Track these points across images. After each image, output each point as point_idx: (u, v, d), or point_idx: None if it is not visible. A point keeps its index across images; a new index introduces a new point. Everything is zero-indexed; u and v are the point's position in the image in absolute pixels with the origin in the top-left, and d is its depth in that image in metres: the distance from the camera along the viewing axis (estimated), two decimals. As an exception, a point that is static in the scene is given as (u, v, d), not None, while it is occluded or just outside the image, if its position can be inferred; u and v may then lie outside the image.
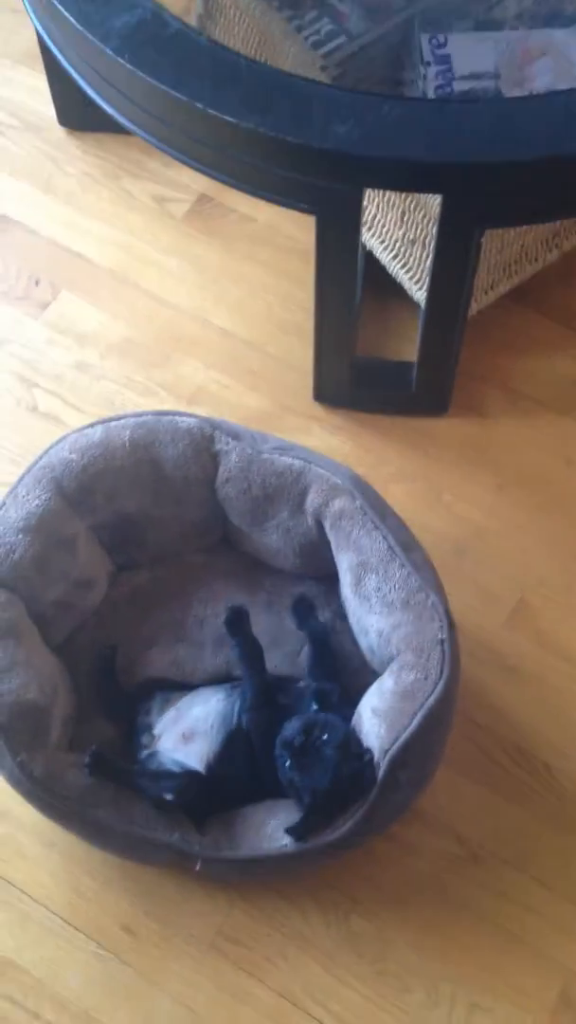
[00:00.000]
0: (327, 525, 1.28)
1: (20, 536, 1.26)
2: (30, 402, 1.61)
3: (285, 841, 1.19)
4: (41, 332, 1.65)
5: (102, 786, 1.21)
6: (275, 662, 1.34)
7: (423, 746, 1.19)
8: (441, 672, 1.18)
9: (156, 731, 1.29)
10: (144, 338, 1.64)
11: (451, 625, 1.22)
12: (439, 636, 1.20)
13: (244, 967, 1.30)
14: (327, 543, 1.30)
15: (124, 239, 1.71)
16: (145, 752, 1.28)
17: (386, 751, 1.17)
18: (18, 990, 1.30)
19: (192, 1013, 1.28)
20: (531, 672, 1.44)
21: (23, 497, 1.28)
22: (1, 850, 1.35)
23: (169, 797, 1.22)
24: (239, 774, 1.25)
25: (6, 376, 1.62)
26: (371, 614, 1.25)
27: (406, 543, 1.27)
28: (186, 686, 1.34)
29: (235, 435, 1.31)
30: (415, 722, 1.17)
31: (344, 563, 1.28)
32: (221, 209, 1.72)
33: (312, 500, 1.28)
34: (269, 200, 1.25)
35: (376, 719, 1.19)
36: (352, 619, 1.31)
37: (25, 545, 1.26)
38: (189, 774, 1.24)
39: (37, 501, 1.28)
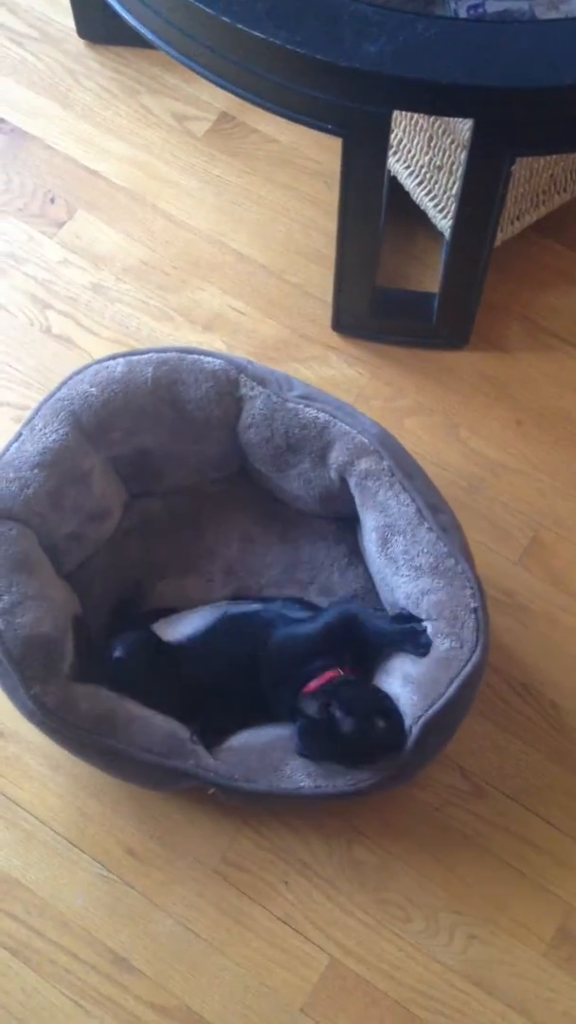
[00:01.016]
0: (352, 483, 1.26)
1: (36, 471, 1.24)
2: (43, 323, 1.58)
3: (303, 783, 1.20)
4: (56, 251, 1.62)
5: (114, 714, 1.21)
6: (288, 592, 1.35)
7: (455, 710, 1.20)
8: (477, 640, 1.18)
9: None
10: (161, 261, 1.61)
11: (482, 593, 1.21)
12: (471, 604, 1.19)
13: (247, 892, 1.31)
14: (350, 496, 1.28)
15: (142, 158, 1.67)
16: None
17: (419, 717, 1.17)
18: (21, 908, 1.31)
19: (194, 936, 1.30)
20: (542, 611, 1.43)
21: (40, 430, 1.26)
22: (8, 771, 1.36)
23: (117, 652, 1.23)
24: (224, 659, 1.26)
25: (20, 296, 1.60)
26: (397, 576, 1.24)
27: (434, 505, 1.25)
28: None
29: (261, 380, 1.28)
30: (451, 690, 1.17)
31: (369, 522, 1.26)
32: (243, 129, 1.68)
33: (336, 457, 1.26)
34: (294, 120, 1.21)
35: (409, 686, 1.19)
36: (376, 575, 1.30)
37: (40, 480, 1.24)
38: (137, 632, 1.25)
39: (54, 436, 1.25)
